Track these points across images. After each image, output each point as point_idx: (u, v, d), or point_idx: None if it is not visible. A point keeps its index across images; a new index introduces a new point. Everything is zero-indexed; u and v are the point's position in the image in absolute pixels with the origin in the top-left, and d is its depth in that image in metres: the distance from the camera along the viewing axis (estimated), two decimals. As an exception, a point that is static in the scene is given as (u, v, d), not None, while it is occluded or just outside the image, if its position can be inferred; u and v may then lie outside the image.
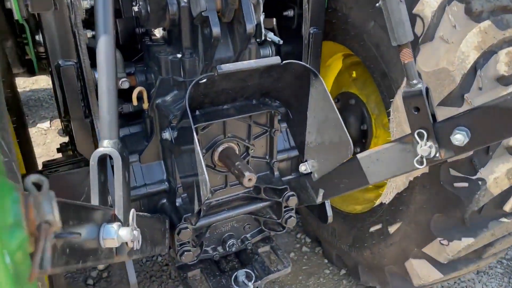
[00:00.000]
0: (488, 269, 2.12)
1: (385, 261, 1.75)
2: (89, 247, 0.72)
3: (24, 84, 3.86)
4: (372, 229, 1.76)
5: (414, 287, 1.69)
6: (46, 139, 3.21)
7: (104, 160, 0.89)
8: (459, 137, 1.11)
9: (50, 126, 3.35)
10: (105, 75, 0.88)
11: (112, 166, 0.90)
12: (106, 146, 0.87)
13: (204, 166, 1.07)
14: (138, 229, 0.85)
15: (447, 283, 2.03)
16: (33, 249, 0.36)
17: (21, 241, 0.34)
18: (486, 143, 1.19)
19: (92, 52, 1.42)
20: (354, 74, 1.96)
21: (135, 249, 0.87)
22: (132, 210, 0.87)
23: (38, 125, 3.34)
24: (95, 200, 0.85)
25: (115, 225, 0.76)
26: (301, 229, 2.40)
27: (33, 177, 0.37)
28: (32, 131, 3.18)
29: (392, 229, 1.65)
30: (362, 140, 1.90)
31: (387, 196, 1.66)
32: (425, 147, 1.17)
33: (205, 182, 1.06)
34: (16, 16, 1.08)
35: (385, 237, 1.69)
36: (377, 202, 1.73)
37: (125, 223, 0.81)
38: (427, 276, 1.60)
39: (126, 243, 0.80)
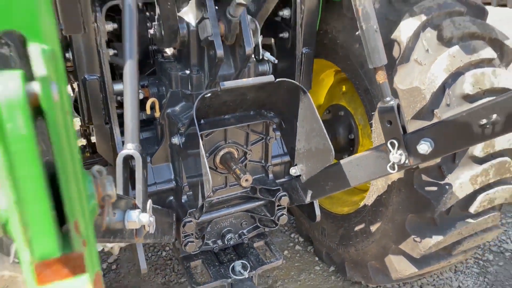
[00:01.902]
0: (465, 269, 2.31)
1: (368, 257, 1.94)
2: (117, 227, 0.92)
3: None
4: (357, 228, 1.95)
5: (393, 280, 1.88)
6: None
7: (127, 160, 1.09)
8: (424, 147, 1.31)
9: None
10: (129, 90, 1.08)
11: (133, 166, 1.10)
12: (130, 148, 1.07)
13: (207, 167, 1.27)
14: (153, 216, 1.05)
15: (426, 280, 2.22)
16: (98, 213, 0.56)
17: (93, 207, 0.53)
18: (447, 152, 1.39)
19: (112, 68, 1.64)
20: (343, 89, 2.17)
21: (150, 232, 1.07)
22: (149, 201, 1.06)
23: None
24: (119, 192, 1.04)
25: (136, 211, 0.96)
26: (294, 229, 2.59)
27: (96, 167, 0.57)
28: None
29: (373, 228, 1.84)
30: (350, 148, 2.09)
31: (369, 198, 1.85)
32: (396, 155, 1.37)
33: (208, 180, 1.26)
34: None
35: (367, 235, 1.88)
36: (361, 204, 1.93)
37: (143, 211, 1.01)
38: (403, 270, 1.79)
39: (144, 226, 1.00)
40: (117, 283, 2.21)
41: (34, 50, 0.39)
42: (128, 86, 1.06)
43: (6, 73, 0.37)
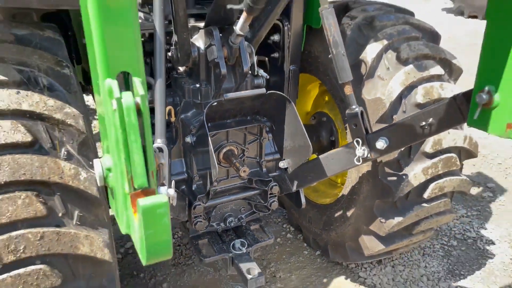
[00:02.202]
0: (432, 252, 2.69)
1: (345, 239, 2.32)
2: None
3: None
4: (336, 215, 2.33)
5: (365, 257, 2.26)
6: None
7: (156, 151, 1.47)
8: (380, 144, 1.70)
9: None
10: (159, 100, 1.46)
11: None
12: (159, 142, 1.45)
13: (215, 159, 1.66)
14: (175, 192, 1.43)
15: (398, 262, 2.59)
16: (155, 173, 0.94)
17: (154, 169, 0.91)
18: (398, 148, 1.77)
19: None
20: (326, 98, 2.56)
21: (173, 205, 1.44)
22: (173, 181, 1.45)
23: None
24: None
25: (165, 187, 1.34)
26: (286, 220, 2.97)
27: (156, 145, 0.95)
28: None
29: (349, 213, 2.22)
30: (331, 147, 2.48)
31: (345, 189, 2.24)
32: (361, 150, 1.75)
33: (215, 167, 1.65)
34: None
35: (344, 220, 2.27)
36: (340, 195, 2.32)
37: (169, 187, 1.39)
38: (373, 248, 2.17)
39: (169, 198, 1.38)
40: (134, 265, 2.57)
41: (136, 81, 0.78)
42: (158, 97, 1.45)
43: (126, 93, 0.75)
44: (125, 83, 0.83)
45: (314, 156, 2.31)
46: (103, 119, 0.89)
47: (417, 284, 2.44)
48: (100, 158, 1.02)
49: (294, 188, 2.05)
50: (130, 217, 0.88)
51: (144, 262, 0.87)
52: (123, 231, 0.97)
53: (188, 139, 1.88)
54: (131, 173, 0.80)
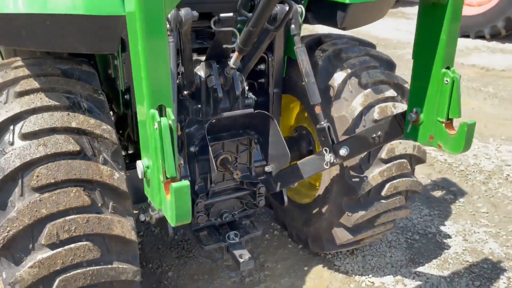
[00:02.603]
0: (397, 245, 3.16)
1: (322, 232, 2.78)
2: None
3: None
4: (314, 211, 2.80)
5: (338, 246, 2.72)
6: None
7: None
8: (343, 151, 2.17)
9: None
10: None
11: None
12: None
13: (214, 164, 2.13)
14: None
15: (367, 252, 3.06)
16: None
17: (178, 166, 1.38)
18: (357, 155, 2.25)
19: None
20: (305, 115, 3.05)
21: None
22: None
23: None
24: None
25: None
26: (273, 220, 3.42)
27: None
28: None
29: (323, 210, 2.69)
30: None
31: (321, 190, 2.71)
32: (328, 157, 2.23)
33: (214, 172, 2.12)
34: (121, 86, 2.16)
35: (320, 216, 2.73)
36: (316, 195, 2.79)
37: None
38: (343, 238, 2.63)
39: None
40: (143, 257, 3.01)
41: (169, 110, 1.25)
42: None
43: (163, 119, 1.23)
44: (160, 111, 1.30)
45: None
46: (145, 133, 1.36)
47: (382, 270, 2.91)
48: (140, 160, 1.49)
49: (278, 189, 2.52)
50: (163, 197, 1.34)
51: (173, 224, 1.33)
52: (157, 207, 1.43)
53: (192, 149, 2.34)
54: (165, 168, 1.27)
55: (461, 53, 8.68)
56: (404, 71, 7.43)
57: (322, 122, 2.21)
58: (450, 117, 1.80)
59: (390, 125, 2.04)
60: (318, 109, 2.20)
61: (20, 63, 1.99)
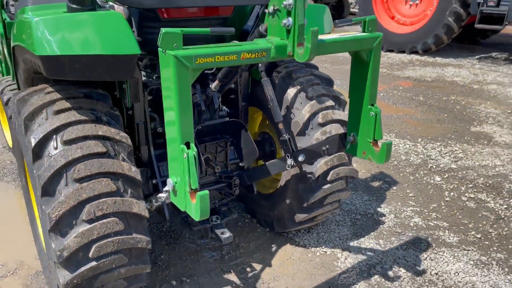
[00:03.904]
0: (343, 223, 3.95)
1: (284, 214, 3.51)
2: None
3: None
4: (277, 198, 3.54)
5: (297, 223, 3.46)
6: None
7: None
8: (301, 158, 2.89)
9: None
10: None
11: None
12: None
13: (202, 161, 2.83)
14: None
15: (321, 229, 3.83)
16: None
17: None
18: (311, 160, 3.01)
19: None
20: (267, 122, 3.81)
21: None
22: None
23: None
24: None
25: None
26: (244, 211, 4.13)
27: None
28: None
29: (284, 196, 3.43)
30: (272, 155, 3.70)
31: (282, 181, 3.46)
32: (289, 161, 2.94)
33: (202, 165, 2.81)
34: (127, 104, 2.82)
35: (282, 201, 3.47)
36: (279, 185, 3.53)
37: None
38: (301, 216, 3.38)
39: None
40: (138, 245, 3.60)
41: (192, 145, 1.96)
42: None
43: (190, 151, 1.93)
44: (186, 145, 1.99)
45: (262, 162, 3.53)
46: (175, 159, 2.03)
47: (332, 243, 3.68)
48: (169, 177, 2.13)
49: (249, 182, 3.24)
50: (188, 202, 1.97)
51: (197, 219, 2.00)
52: (183, 209, 2.07)
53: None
54: (190, 183, 1.95)
55: (398, 67, 9.86)
56: (348, 84, 8.40)
57: (284, 135, 2.95)
58: (375, 138, 2.50)
59: (336, 142, 2.82)
60: (280, 125, 2.95)
61: (50, 89, 2.61)
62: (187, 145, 1.94)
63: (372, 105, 2.49)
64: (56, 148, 2.35)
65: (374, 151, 2.52)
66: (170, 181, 2.12)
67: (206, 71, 2.91)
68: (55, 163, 2.30)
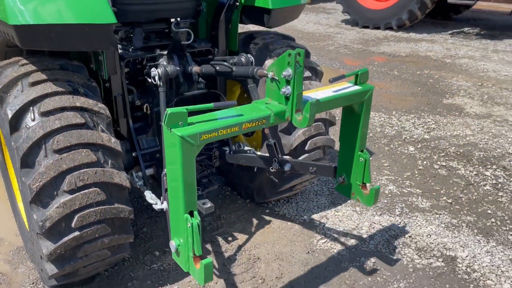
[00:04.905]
0: (322, 193, 4.06)
1: (264, 185, 3.57)
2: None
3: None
4: (257, 170, 3.60)
5: (276, 193, 3.55)
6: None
7: None
8: (287, 167, 2.79)
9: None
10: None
11: None
12: None
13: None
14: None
15: (299, 199, 3.93)
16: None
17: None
18: (296, 172, 3.07)
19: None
20: (245, 95, 3.84)
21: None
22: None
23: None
24: None
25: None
26: (224, 185, 4.19)
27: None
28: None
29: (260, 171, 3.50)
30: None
31: (261, 153, 3.52)
32: (275, 165, 2.95)
33: None
34: (104, 76, 2.80)
35: (262, 172, 3.54)
36: (258, 156, 3.59)
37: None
38: (281, 186, 3.46)
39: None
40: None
41: (196, 214, 1.97)
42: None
43: (193, 219, 1.94)
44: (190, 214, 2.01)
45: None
46: (178, 222, 2.03)
47: (311, 211, 3.79)
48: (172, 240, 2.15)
49: (229, 161, 3.28)
50: (191, 265, 2.00)
51: (202, 284, 2.04)
52: (185, 270, 2.07)
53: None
54: (194, 249, 1.96)
55: (373, 43, 9.97)
56: (325, 60, 8.52)
57: (270, 140, 2.97)
58: (364, 182, 2.59)
59: (325, 169, 2.86)
60: (266, 131, 2.98)
61: (25, 61, 2.57)
62: (191, 213, 1.98)
63: (362, 151, 2.57)
64: (33, 120, 2.34)
65: (363, 193, 2.62)
66: (173, 243, 2.14)
67: (182, 42, 2.91)
68: (33, 134, 2.29)
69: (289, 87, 2.07)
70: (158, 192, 2.70)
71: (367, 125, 2.56)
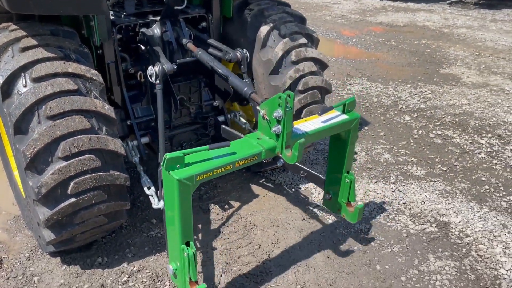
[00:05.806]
0: (317, 162, 4.07)
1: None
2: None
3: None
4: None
5: (271, 162, 3.56)
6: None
7: None
8: (279, 163, 2.96)
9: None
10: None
11: None
12: None
13: (177, 98, 2.83)
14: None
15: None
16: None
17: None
18: (288, 170, 3.06)
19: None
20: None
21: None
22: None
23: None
24: None
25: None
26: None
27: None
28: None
29: (259, 135, 3.50)
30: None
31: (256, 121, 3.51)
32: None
33: (177, 105, 2.83)
34: (96, 43, 2.74)
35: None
36: (253, 126, 3.58)
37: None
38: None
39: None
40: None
41: (192, 244, 1.96)
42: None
43: (189, 249, 1.93)
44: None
45: (236, 105, 3.55)
46: (175, 253, 2.12)
47: (307, 180, 3.81)
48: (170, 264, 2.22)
49: (224, 135, 3.26)
50: (187, 287, 2.12)
51: None
52: None
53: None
54: (190, 275, 2.05)
55: (371, 13, 9.83)
56: (322, 31, 8.41)
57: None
58: (349, 200, 2.76)
59: (317, 178, 2.94)
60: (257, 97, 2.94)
61: (15, 26, 2.52)
62: (187, 243, 2.10)
63: (348, 172, 2.72)
64: (25, 86, 2.31)
65: (348, 211, 2.80)
66: (170, 268, 2.23)
67: (175, 7, 2.84)
68: (26, 100, 2.26)
69: (279, 126, 2.17)
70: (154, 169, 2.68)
71: (353, 150, 2.72)
